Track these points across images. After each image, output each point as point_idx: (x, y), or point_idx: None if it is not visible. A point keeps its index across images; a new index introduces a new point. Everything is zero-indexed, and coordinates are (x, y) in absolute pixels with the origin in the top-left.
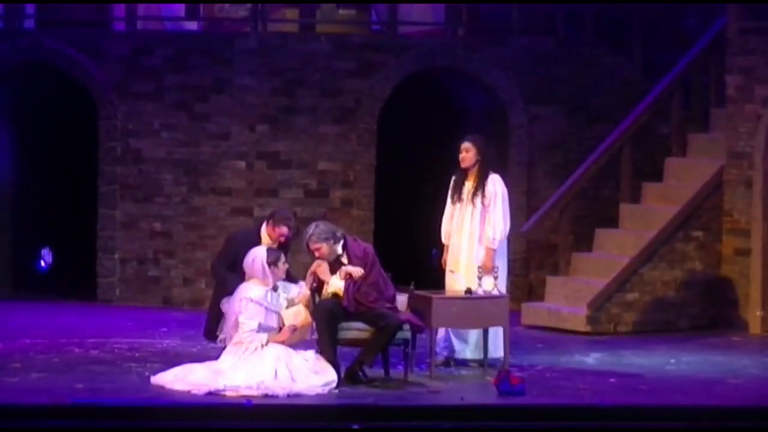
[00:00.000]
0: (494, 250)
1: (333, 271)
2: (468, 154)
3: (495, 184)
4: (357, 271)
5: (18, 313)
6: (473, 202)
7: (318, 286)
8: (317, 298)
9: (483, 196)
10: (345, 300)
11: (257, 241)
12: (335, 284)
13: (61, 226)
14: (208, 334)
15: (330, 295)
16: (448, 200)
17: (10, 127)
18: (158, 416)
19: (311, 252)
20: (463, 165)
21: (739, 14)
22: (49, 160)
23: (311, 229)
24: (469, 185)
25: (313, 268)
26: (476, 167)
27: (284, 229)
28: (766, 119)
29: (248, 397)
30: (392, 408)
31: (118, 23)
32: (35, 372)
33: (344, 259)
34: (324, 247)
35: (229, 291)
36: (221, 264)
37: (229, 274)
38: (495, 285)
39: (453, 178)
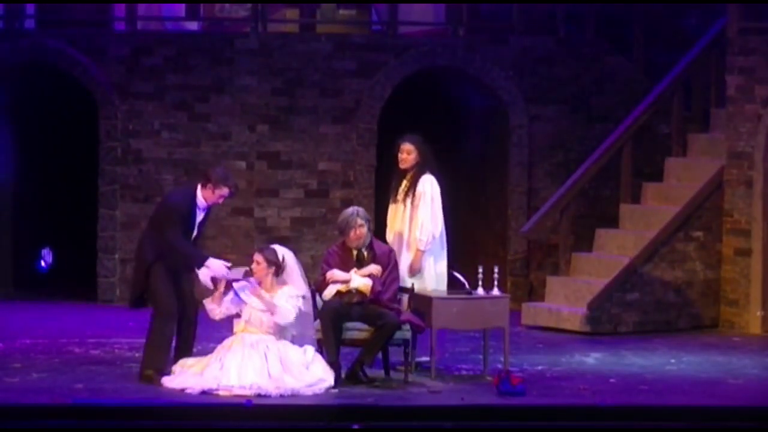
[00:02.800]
0: (422, 252)
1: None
2: (409, 156)
3: (425, 184)
4: (377, 270)
5: (18, 313)
6: (404, 203)
7: (317, 287)
8: (318, 299)
9: (413, 196)
10: (372, 295)
11: (191, 209)
12: (359, 281)
13: (61, 226)
14: (136, 302)
15: (347, 291)
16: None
17: (10, 127)
18: (158, 416)
19: (351, 232)
20: (403, 166)
21: (740, 14)
22: (49, 160)
23: (356, 210)
24: (404, 184)
25: (329, 277)
26: (414, 168)
27: (226, 191)
28: (767, 119)
29: (244, 397)
30: (392, 408)
31: (118, 23)
32: (35, 372)
33: (365, 251)
34: (365, 230)
35: (198, 265)
36: (179, 234)
37: (195, 249)
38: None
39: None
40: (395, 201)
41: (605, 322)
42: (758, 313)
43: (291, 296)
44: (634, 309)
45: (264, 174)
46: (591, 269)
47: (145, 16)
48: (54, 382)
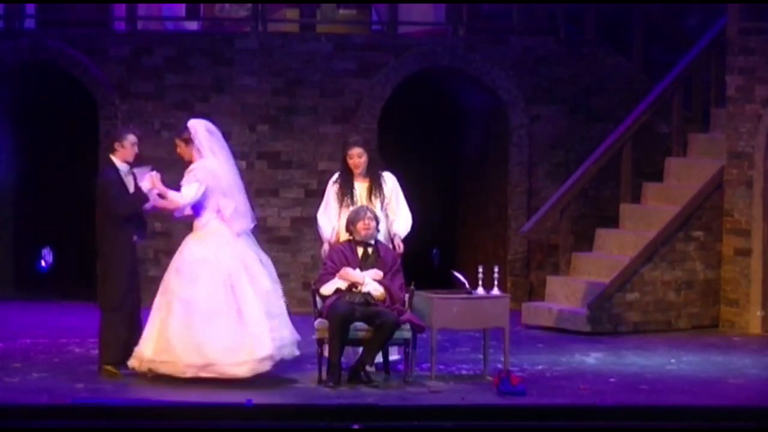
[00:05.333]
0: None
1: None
2: (361, 158)
3: (390, 180)
4: (378, 274)
5: (18, 313)
6: (371, 201)
7: (317, 288)
8: (318, 299)
9: (382, 194)
10: (388, 299)
11: (120, 175)
12: (373, 285)
13: (61, 226)
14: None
15: (348, 290)
16: (333, 202)
17: (10, 126)
18: (158, 416)
19: (361, 223)
20: (358, 170)
21: (740, 14)
22: (49, 160)
23: (366, 206)
24: (361, 187)
25: (341, 274)
26: (369, 169)
27: (132, 137)
28: (767, 119)
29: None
30: (393, 408)
31: (118, 23)
32: (36, 372)
33: (369, 250)
34: (374, 224)
35: (143, 202)
36: (121, 203)
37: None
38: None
39: (335, 180)
40: (353, 203)
41: (605, 322)
42: (758, 313)
43: (189, 181)
44: (635, 309)
45: (264, 174)
46: (591, 269)
47: (145, 16)
48: (54, 382)
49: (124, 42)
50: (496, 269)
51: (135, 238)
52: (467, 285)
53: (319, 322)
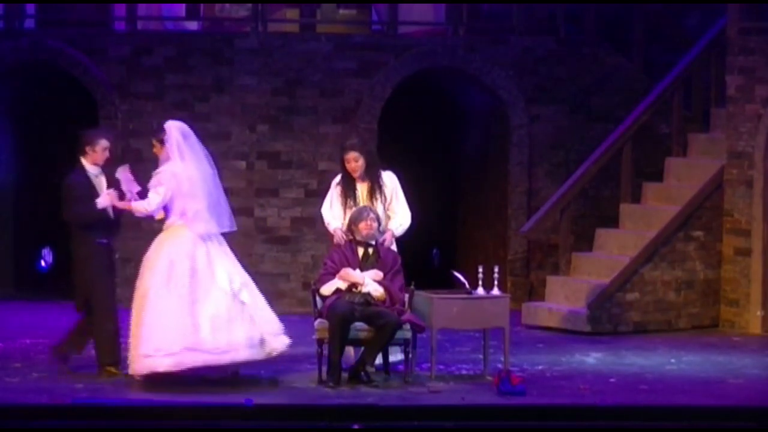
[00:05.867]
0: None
1: None
2: (358, 163)
3: (389, 179)
4: (378, 275)
5: (18, 313)
6: (372, 202)
7: (317, 288)
8: (318, 300)
9: (382, 194)
10: (388, 300)
11: (89, 178)
12: (373, 286)
13: (61, 226)
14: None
15: (348, 290)
16: (337, 205)
17: (10, 126)
18: (158, 416)
19: (363, 223)
20: (356, 174)
21: (740, 14)
22: (49, 160)
23: (369, 207)
24: (362, 187)
25: (342, 275)
26: (367, 171)
27: (104, 142)
28: (767, 119)
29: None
30: (393, 408)
31: (118, 23)
32: (35, 372)
33: (370, 251)
34: (376, 224)
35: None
36: (80, 208)
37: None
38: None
39: (337, 183)
40: (355, 203)
41: (605, 322)
42: (758, 313)
43: (154, 186)
44: (635, 309)
45: (264, 174)
46: (591, 269)
47: (145, 16)
48: (54, 382)
49: (124, 42)
50: (496, 269)
51: (102, 240)
52: (467, 285)
53: (319, 322)
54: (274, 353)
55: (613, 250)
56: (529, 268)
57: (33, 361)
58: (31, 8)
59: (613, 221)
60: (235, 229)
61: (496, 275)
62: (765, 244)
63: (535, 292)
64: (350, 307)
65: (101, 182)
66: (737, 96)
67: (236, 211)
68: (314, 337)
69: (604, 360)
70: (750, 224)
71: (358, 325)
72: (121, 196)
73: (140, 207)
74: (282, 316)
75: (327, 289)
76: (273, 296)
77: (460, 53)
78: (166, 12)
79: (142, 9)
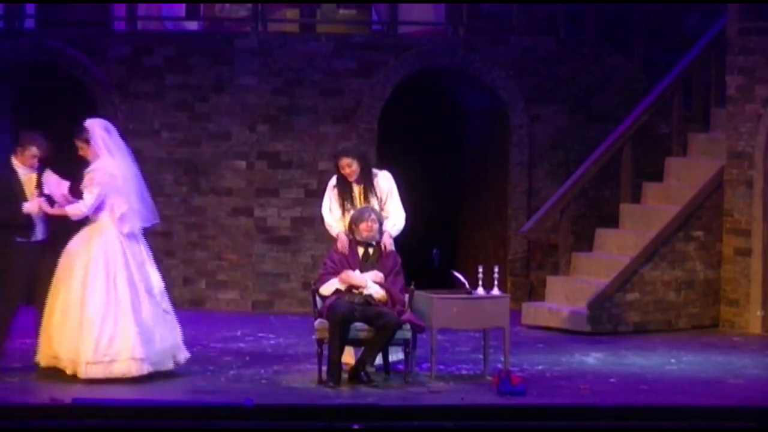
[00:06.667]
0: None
1: None
2: (352, 168)
3: (385, 180)
4: (378, 276)
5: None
6: (369, 203)
7: (317, 288)
8: (318, 300)
9: (377, 196)
10: (389, 302)
11: (14, 178)
12: (374, 288)
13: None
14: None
15: (348, 290)
16: (335, 207)
17: (10, 126)
18: (158, 416)
19: (364, 224)
20: (352, 178)
21: (740, 14)
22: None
23: (371, 207)
24: (358, 189)
25: (343, 277)
26: (362, 174)
27: (34, 149)
28: (767, 119)
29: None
30: (393, 408)
31: (118, 23)
32: (35, 372)
33: (370, 251)
34: (377, 225)
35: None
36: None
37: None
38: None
39: (334, 185)
40: (353, 206)
41: (605, 322)
42: (758, 313)
43: (87, 186)
44: (635, 309)
45: (264, 174)
46: (591, 269)
47: (145, 16)
48: (54, 382)
49: (124, 42)
50: (496, 269)
51: (21, 239)
52: (467, 285)
53: (319, 322)
54: (180, 364)
55: (613, 250)
56: (529, 268)
57: (33, 361)
58: (31, 8)
59: (613, 221)
60: (158, 221)
61: (496, 275)
62: (765, 244)
63: (535, 292)
64: (350, 307)
65: (29, 181)
66: (737, 96)
67: (236, 211)
68: (314, 337)
69: (604, 360)
70: (750, 224)
71: (358, 325)
72: (50, 200)
73: (74, 210)
74: (282, 316)
75: (327, 289)
76: (273, 296)
77: (460, 53)
78: (166, 12)
79: (142, 9)
